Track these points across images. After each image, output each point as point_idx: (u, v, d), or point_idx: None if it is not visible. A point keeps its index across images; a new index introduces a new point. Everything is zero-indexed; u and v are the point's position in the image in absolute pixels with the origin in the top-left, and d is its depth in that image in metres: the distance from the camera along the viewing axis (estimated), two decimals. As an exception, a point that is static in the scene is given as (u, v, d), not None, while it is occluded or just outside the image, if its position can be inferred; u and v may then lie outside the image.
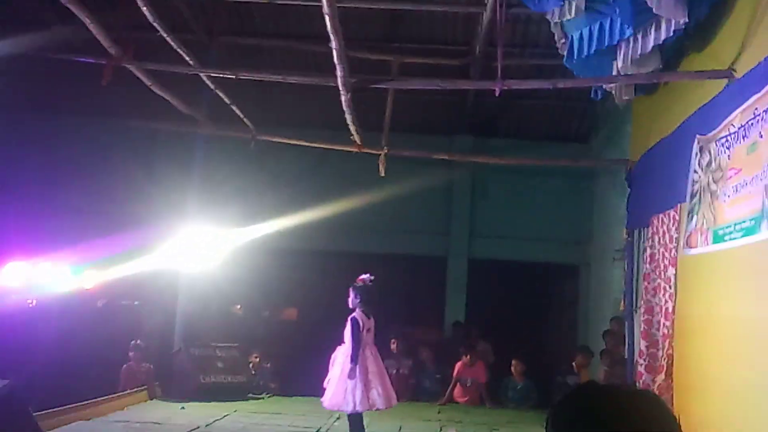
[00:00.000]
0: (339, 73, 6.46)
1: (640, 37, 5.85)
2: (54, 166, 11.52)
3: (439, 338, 11.84)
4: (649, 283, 7.11)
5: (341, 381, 6.73)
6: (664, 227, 6.72)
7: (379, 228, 12.05)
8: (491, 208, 12.44)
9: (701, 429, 5.23)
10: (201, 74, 7.88)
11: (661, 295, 6.76)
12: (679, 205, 6.28)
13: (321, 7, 5.35)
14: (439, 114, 12.08)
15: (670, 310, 6.41)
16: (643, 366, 6.90)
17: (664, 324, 6.57)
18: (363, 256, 10.89)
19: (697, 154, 5.87)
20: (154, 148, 11.76)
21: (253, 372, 10.34)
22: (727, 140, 5.31)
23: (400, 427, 7.98)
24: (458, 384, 10.03)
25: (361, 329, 6.81)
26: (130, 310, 11.58)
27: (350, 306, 6.99)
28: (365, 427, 6.87)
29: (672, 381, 6.26)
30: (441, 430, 8.05)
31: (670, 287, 6.47)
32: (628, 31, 5.71)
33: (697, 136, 5.84)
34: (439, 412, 9.13)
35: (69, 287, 9.93)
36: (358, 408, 6.67)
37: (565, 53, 6.49)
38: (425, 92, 10.35)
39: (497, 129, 12.53)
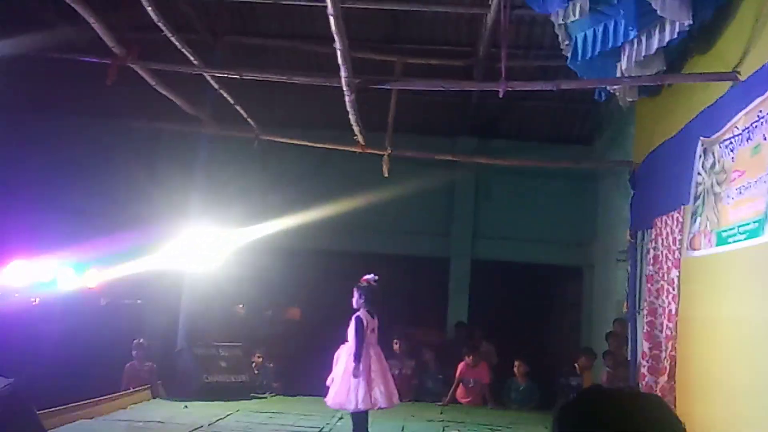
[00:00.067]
0: (343, 73, 6.47)
1: (644, 38, 5.85)
2: (57, 166, 11.53)
3: (441, 339, 11.84)
4: (652, 284, 7.11)
5: (344, 380, 6.74)
6: (668, 229, 6.72)
7: (382, 228, 12.06)
8: (494, 209, 12.43)
9: (704, 431, 5.22)
10: (205, 74, 7.89)
11: (664, 297, 6.76)
12: (682, 207, 6.29)
13: (325, 7, 5.36)
14: (443, 115, 12.08)
15: (673, 311, 6.41)
16: (645, 368, 6.90)
17: (667, 326, 6.57)
18: (366, 256, 10.90)
19: (700, 156, 5.87)
20: (157, 148, 11.76)
21: (256, 371, 10.34)
22: (731, 142, 5.31)
23: (403, 428, 7.97)
24: (461, 385, 10.03)
25: (364, 328, 6.82)
26: (133, 309, 11.59)
27: (354, 306, 7.00)
28: (368, 427, 6.87)
29: (675, 383, 6.26)
30: (444, 431, 8.05)
31: (673, 289, 6.46)
32: (633, 33, 5.71)
33: (701, 138, 5.84)
34: (441, 413, 9.13)
35: (72, 286, 9.93)
36: (360, 406, 6.68)
37: (569, 55, 6.49)
38: (429, 93, 10.36)
39: (500, 130, 12.51)
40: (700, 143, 5.85)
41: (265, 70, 8.82)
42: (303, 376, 9.49)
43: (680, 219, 6.33)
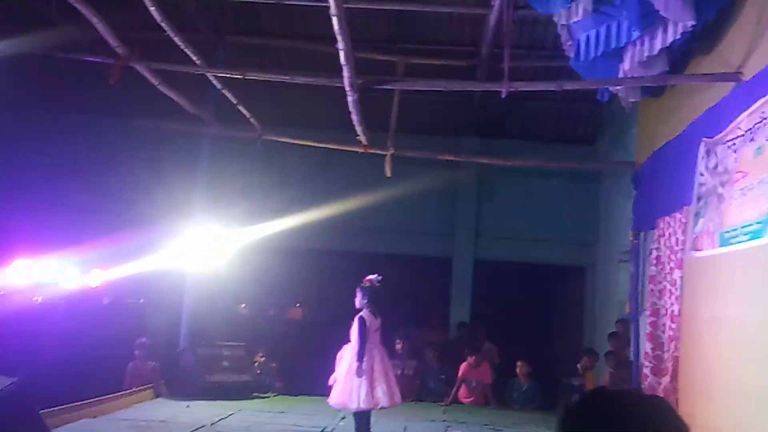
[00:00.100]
0: (346, 73, 6.47)
1: (647, 39, 5.85)
2: (60, 165, 11.54)
3: (444, 339, 11.84)
4: (654, 285, 7.10)
5: (347, 379, 6.76)
6: (671, 230, 6.71)
7: (384, 228, 12.05)
8: (497, 209, 12.42)
9: (706, 432, 5.22)
10: (208, 74, 7.90)
11: (666, 298, 6.75)
12: (685, 207, 6.28)
13: (328, 7, 5.36)
14: (445, 115, 12.08)
15: (676, 312, 6.40)
16: (648, 368, 6.90)
17: (669, 326, 6.56)
18: (368, 256, 10.91)
19: (703, 156, 5.86)
20: (160, 148, 11.76)
21: (259, 371, 10.36)
22: (733, 143, 5.31)
23: (405, 428, 7.98)
24: (463, 385, 10.03)
25: (368, 328, 6.82)
26: (136, 309, 11.61)
27: (357, 306, 7.01)
28: (370, 427, 6.88)
29: (678, 383, 6.26)
30: (446, 431, 8.05)
31: (676, 290, 6.46)
32: (635, 34, 5.71)
33: (704, 138, 5.83)
34: (443, 413, 9.13)
35: (75, 285, 9.95)
36: (363, 406, 6.69)
37: (571, 55, 6.49)
38: (431, 93, 10.37)
39: (503, 130, 12.51)
40: (703, 144, 5.84)
41: (267, 70, 8.83)
42: (305, 375, 9.50)
43: (683, 220, 6.33)
